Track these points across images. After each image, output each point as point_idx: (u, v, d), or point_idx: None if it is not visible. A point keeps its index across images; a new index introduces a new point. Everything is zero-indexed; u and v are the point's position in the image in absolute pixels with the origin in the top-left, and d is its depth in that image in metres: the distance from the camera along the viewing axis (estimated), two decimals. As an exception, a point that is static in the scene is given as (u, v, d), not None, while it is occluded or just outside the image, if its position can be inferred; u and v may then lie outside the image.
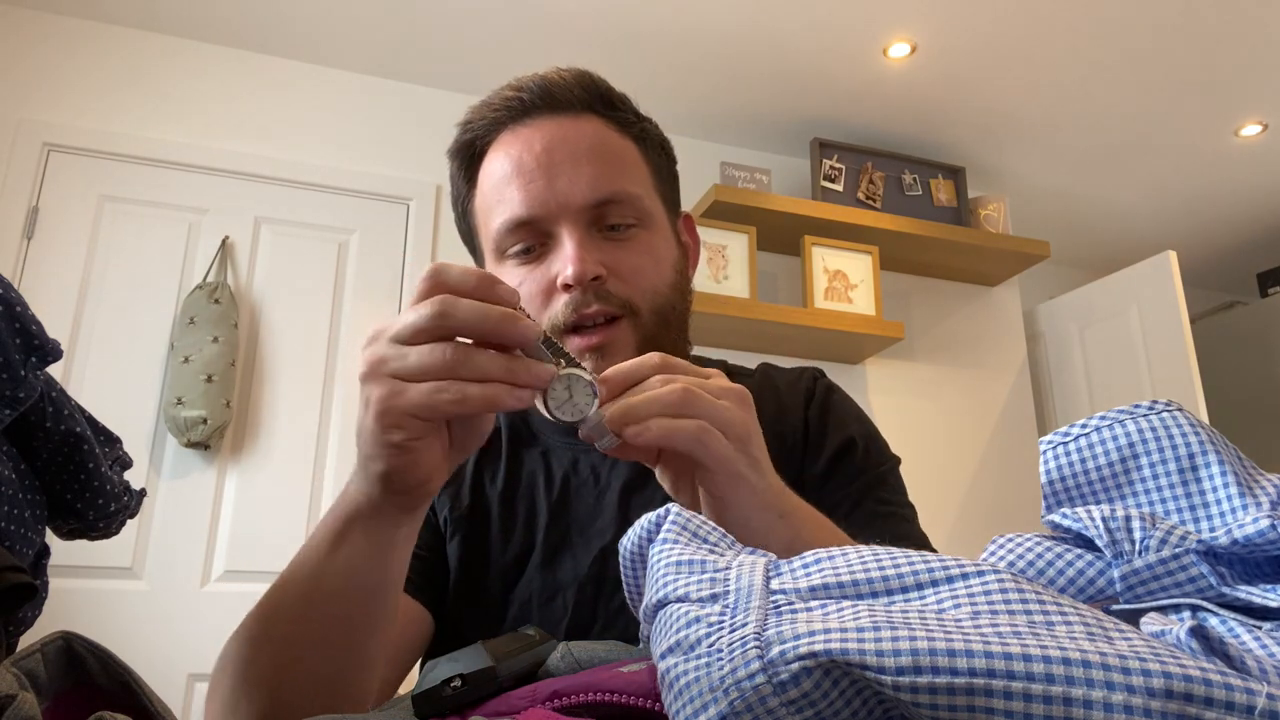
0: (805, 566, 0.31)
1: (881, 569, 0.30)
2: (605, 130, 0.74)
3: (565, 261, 0.69)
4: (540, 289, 0.71)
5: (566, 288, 0.69)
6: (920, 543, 0.72)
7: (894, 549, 0.32)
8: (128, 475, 0.60)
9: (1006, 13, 2.34)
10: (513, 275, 0.72)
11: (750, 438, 0.52)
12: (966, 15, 2.36)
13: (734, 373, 0.84)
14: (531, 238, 0.71)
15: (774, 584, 0.30)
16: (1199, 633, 0.26)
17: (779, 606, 0.29)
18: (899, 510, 0.74)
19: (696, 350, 0.85)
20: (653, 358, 0.53)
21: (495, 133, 0.75)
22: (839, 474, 0.75)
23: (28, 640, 0.50)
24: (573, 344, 0.70)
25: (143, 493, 0.63)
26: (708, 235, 2.59)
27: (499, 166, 0.73)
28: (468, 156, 0.77)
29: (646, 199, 0.75)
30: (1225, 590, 0.30)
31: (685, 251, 0.81)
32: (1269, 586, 0.30)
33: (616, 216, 0.72)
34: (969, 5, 2.32)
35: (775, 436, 0.76)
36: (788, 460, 0.75)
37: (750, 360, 0.91)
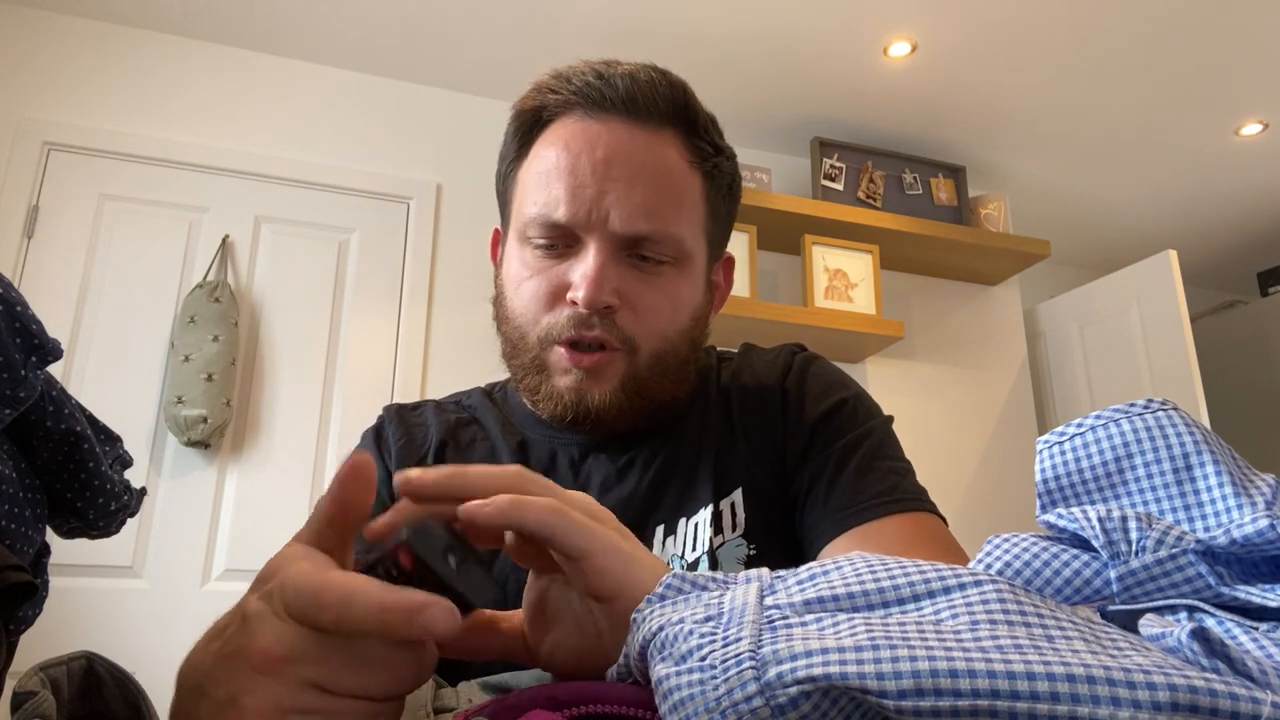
0: (800, 582, 0.31)
1: (877, 581, 0.30)
2: (675, 157, 0.70)
3: (582, 280, 0.67)
4: (550, 290, 0.69)
5: (574, 304, 0.68)
6: (912, 494, 0.69)
7: (889, 559, 0.31)
8: (128, 474, 0.60)
9: (1006, 13, 2.34)
10: (529, 264, 0.71)
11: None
12: (966, 15, 2.36)
13: (721, 358, 0.82)
14: (559, 237, 0.69)
15: (768, 600, 0.30)
16: (1200, 635, 0.25)
17: (773, 621, 0.28)
18: (887, 464, 0.70)
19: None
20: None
21: (565, 112, 0.71)
22: (820, 441, 0.72)
23: (29, 639, 0.50)
24: (563, 355, 0.69)
25: (143, 491, 0.63)
26: (708, 234, 2.60)
27: (554, 155, 0.69)
28: (529, 123, 0.73)
29: (689, 240, 0.71)
30: (1224, 590, 0.30)
31: (712, 295, 0.78)
32: (1268, 586, 0.30)
33: (651, 250, 0.69)
34: (969, 5, 2.32)
35: (752, 415, 0.75)
36: (767, 439, 0.73)
37: None
